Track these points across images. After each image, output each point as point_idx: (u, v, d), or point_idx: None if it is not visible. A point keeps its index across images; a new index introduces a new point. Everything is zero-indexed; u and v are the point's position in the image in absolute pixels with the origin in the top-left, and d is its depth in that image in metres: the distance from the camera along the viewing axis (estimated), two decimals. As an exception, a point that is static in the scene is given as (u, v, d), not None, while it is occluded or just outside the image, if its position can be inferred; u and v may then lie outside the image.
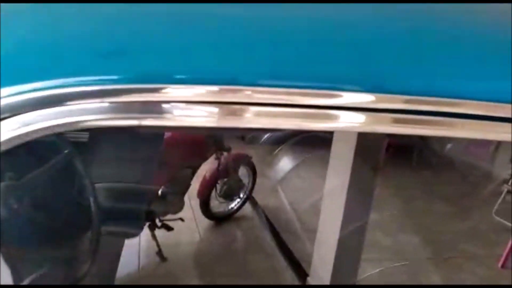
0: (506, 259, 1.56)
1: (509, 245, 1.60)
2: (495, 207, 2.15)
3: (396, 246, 1.73)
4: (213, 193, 1.56)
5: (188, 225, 1.49)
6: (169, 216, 1.30)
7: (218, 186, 1.55)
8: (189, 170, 1.37)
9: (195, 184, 1.44)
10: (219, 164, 1.46)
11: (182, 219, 1.33)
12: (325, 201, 0.94)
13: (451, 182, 2.53)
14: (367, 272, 1.12)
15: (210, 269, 1.35)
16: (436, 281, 1.47)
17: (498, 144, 2.57)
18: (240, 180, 1.66)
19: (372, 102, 0.49)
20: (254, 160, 1.76)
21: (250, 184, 1.76)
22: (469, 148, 2.72)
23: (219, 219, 1.68)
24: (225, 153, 1.48)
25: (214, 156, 1.46)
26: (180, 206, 1.31)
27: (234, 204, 1.70)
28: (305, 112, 0.48)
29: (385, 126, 0.52)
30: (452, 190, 2.43)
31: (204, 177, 1.47)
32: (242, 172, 1.70)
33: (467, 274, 1.59)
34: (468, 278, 1.56)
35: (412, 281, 1.43)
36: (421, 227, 1.90)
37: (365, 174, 0.84)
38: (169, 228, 1.29)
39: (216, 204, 1.61)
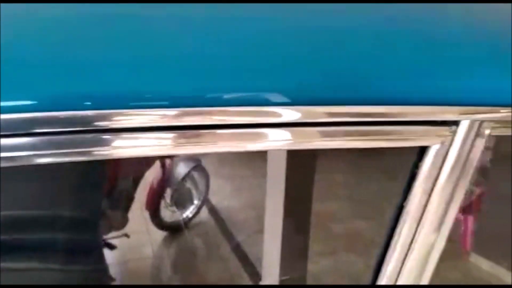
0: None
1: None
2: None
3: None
4: (163, 203, 1.52)
5: (139, 239, 1.45)
6: (112, 234, 1.25)
7: (167, 195, 1.51)
8: (129, 182, 1.33)
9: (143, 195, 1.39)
10: (164, 172, 1.43)
11: (127, 235, 1.29)
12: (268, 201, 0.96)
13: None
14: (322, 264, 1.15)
15: (160, 282, 1.32)
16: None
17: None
18: (189, 187, 1.64)
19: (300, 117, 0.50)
20: (206, 164, 1.73)
21: (204, 189, 1.74)
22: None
23: (174, 229, 1.65)
24: (168, 160, 1.45)
25: (159, 164, 1.42)
26: (122, 222, 1.27)
27: (189, 212, 1.67)
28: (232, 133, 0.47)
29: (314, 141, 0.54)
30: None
31: (151, 187, 1.43)
32: (193, 177, 1.67)
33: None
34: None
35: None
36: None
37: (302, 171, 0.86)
38: (112, 247, 1.24)
39: (168, 214, 1.57)
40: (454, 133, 0.66)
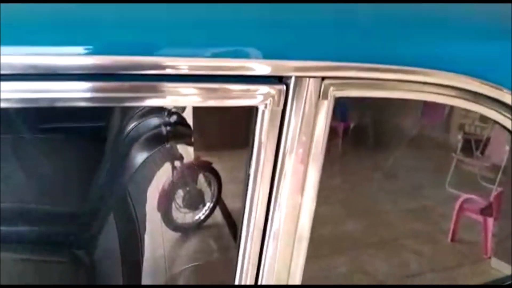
0: (454, 231, 1.60)
1: (454, 217, 1.62)
2: (448, 179, 2.21)
3: (339, 235, 1.71)
4: (175, 205, 1.52)
5: (154, 240, 1.45)
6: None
7: (178, 197, 1.51)
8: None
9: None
10: (174, 174, 1.43)
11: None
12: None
13: (405, 157, 2.60)
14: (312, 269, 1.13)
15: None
16: (380, 265, 1.46)
17: (450, 114, 2.67)
18: (200, 189, 1.64)
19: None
20: (217, 166, 1.73)
21: (216, 191, 1.73)
22: (423, 122, 2.81)
23: (186, 231, 1.65)
24: (178, 162, 1.45)
25: (169, 166, 1.42)
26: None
27: (201, 213, 1.67)
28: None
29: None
30: (406, 167, 2.49)
31: (162, 189, 1.43)
32: (204, 179, 1.67)
33: (414, 253, 1.57)
34: (414, 258, 1.53)
35: (356, 269, 1.42)
36: (369, 212, 1.91)
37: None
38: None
39: (181, 216, 1.57)
40: (281, 92, 0.55)
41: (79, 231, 0.72)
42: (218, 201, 1.71)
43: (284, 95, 0.56)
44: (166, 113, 1.39)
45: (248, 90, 0.53)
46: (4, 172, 0.69)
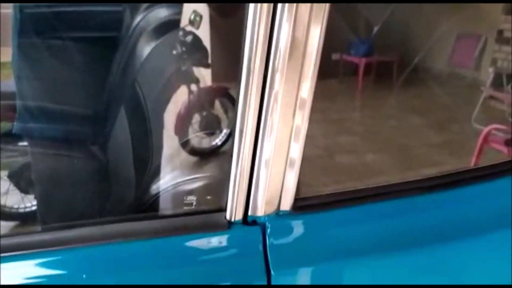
0: (476, 160, 1.58)
1: (478, 146, 1.60)
2: (474, 115, 2.14)
3: (363, 166, 1.72)
4: (191, 129, 1.53)
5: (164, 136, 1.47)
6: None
7: (195, 121, 1.52)
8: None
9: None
10: (191, 98, 1.42)
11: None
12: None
13: (432, 95, 2.51)
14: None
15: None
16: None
17: (482, 48, 2.52)
18: (216, 114, 1.63)
19: None
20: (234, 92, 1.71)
21: (233, 117, 1.72)
22: (453, 58, 2.68)
23: (203, 155, 1.67)
24: (195, 85, 1.43)
25: (186, 90, 1.41)
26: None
27: (218, 139, 1.68)
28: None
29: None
30: (433, 103, 2.42)
31: (179, 113, 1.43)
32: (221, 105, 1.66)
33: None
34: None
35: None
36: (394, 145, 1.90)
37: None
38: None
39: (198, 140, 1.59)
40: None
41: (94, 129, 0.74)
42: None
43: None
44: (181, 33, 1.35)
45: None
46: (32, 76, 0.71)
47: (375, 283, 0.63)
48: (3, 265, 0.53)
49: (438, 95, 2.51)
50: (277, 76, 0.54)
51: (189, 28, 1.35)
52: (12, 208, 1.39)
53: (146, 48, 0.74)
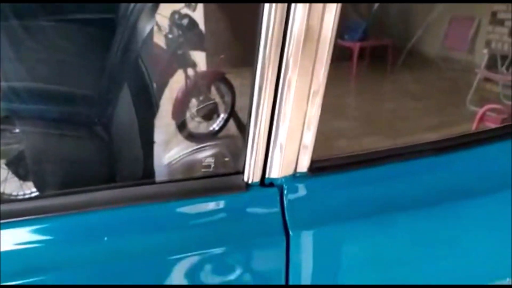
0: None
1: (474, 126, 1.61)
2: (469, 97, 2.16)
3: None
4: (189, 114, 1.53)
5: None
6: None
7: (192, 106, 1.51)
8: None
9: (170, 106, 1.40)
10: (187, 82, 1.42)
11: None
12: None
13: (427, 79, 2.52)
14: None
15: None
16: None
17: (476, 31, 2.53)
18: (213, 98, 1.63)
19: None
20: (232, 78, 1.70)
21: (230, 102, 1.72)
22: (447, 41, 2.68)
23: (200, 140, 1.67)
24: (191, 69, 1.43)
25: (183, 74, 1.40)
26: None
27: (216, 124, 1.67)
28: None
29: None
30: (428, 87, 2.43)
31: (176, 98, 1.42)
32: (218, 90, 1.65)
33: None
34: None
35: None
36: (390, 128, 1.90)
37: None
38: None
39: (195, 125, 1.58)
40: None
41: (96, 110, 0.73)
42: (232, 113, 1.71)
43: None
44: (177, 16, 1.34)
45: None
46: (33, 57, 0.70)
47: (389, 241, 0.64)
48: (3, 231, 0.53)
49: (432, 78, 2.52)
50: (291, 61, 0.55)
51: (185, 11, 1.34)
52: (11, 195, 1.39)
53: (147, 26, 0.74)
